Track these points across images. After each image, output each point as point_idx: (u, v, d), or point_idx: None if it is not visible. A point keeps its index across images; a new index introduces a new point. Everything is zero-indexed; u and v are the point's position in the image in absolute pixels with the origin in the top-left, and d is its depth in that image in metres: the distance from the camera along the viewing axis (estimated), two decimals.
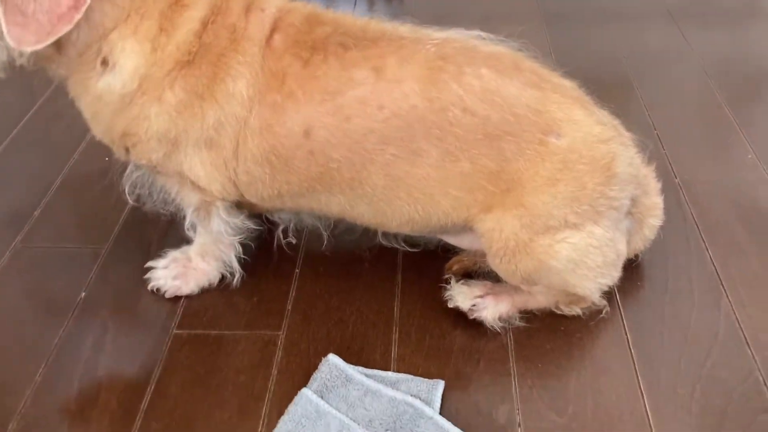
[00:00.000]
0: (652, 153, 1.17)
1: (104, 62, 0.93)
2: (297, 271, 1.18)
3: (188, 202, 1.07)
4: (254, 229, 1.14)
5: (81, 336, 1.07)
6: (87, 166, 1.42)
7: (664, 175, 1.14)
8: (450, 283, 1.08)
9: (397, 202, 1.01)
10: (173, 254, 1.16)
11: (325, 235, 1.20)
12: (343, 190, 1.01)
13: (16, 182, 1.40)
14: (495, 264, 1.00)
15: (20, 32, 0.82)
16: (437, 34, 1.00)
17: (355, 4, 2.07)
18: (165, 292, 1.12)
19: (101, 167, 1.38)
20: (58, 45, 0.87)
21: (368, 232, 1.19)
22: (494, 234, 0.97)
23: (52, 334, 1.07)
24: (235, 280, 1.14)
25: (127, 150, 1.00)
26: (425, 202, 1.00)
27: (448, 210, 1.00)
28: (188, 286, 1.13)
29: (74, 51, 0.92)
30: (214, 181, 1.01)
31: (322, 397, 0.95)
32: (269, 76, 0.96)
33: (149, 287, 1.14)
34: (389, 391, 0.95)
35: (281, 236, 1.20)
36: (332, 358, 1.00)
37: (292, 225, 1.21)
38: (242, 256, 1.14)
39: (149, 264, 1.16)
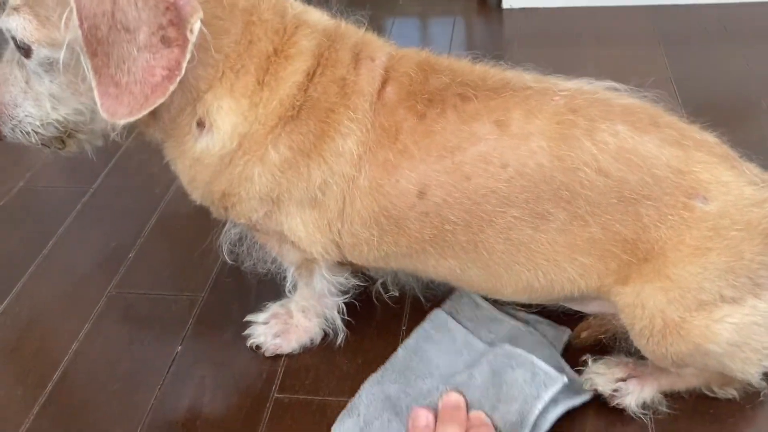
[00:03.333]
0: None
1: (200, 124, 0.85)
2: (403, 328, 1.09)
3: (289, 260, 1.00)
4: (359, 286, 1.06)
5: (177, 396, 1.01)
6: (182, 202, 1.37)
7: None
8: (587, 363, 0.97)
9: (515, 268, 0.90)
10: (273, 308, 1.08)
11: (421, 297, 1.11)
12: (456, 254, 0.91)
13: (111, 219, 1.36)
14: (641, 345, 0.87)
15: (113, 104, 0.76)
16: (565, 83, 0.89)
17: (452, 33, 1.97)
18: (265, 350, 1.05)
19: (197, 205, 1.33)
20: (152, 112, 0.80)
21: None
22: (636, 311, 0.85)
23: (148, 392, 1.02)
24: (339, 339, 1.06)
25: (226, 209, 0.93)
26: (548, 269, 0.88)
27: (575, 278, 0.88)
28: (289, 344, 1.05)
29: (168, 116, 0.86)
30: (316, 242, 0.93)
31: (451, 316, 1.06)
32: (381, 132, 0.87)
33: (248, 344, 1.07)
34: (513, 321, 1.04)
35: (381, 290, 1.11)
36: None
37: (389, 279, 1.12)
38: (345, 315, 1.06)
39: (249, 318, 1.09)
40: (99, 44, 0.74)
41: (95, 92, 0.76)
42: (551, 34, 1.91)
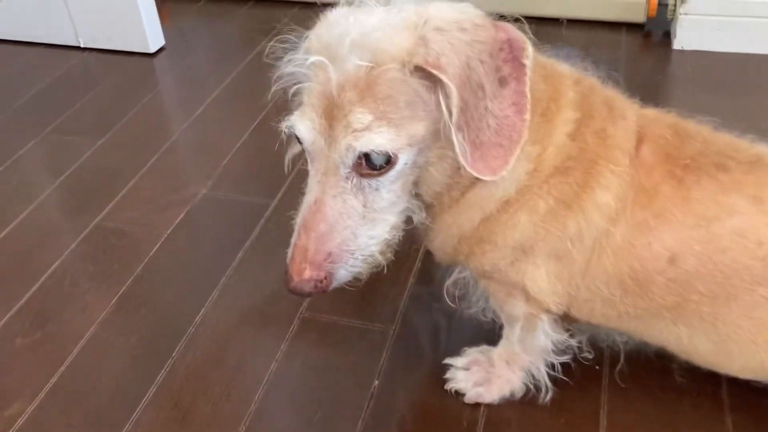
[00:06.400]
0: None
1: None
2: (604, 395, 1.07)
3: (511, 313, 0.99)
4: (576, 347, 1.05)
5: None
6: None
7: None
8: None
9: (751, 347, 0.88)
10: (473, 355, 1.09)
11: (622, 358, 1.09)
12: (690, 323, 0.89)
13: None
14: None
15: (484, 166, 0.77)
16: None
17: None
18: (466, 397, 1.06)
19: None
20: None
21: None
22: None
23: (350, 425, 1.04)
24: (545, 396, 1.04)
25: (470, 256, 0.92)
26: None
27: None
28: (491, 394, 1.05)
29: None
30: (554, 294, 0.92)
31: None
32: (638, 190, 0.86)
33: (448, 387, 1.07)
34: None
35: (576, 350, 1.10)
36: None
37: (585, 338, 1.10)
38: (559, 374, 1.05)
39: (447, 361, 1.10)
40: (464, 114, 0.74)
41: (468, 164, 0.76)
42: (726, 81, 1.84)
